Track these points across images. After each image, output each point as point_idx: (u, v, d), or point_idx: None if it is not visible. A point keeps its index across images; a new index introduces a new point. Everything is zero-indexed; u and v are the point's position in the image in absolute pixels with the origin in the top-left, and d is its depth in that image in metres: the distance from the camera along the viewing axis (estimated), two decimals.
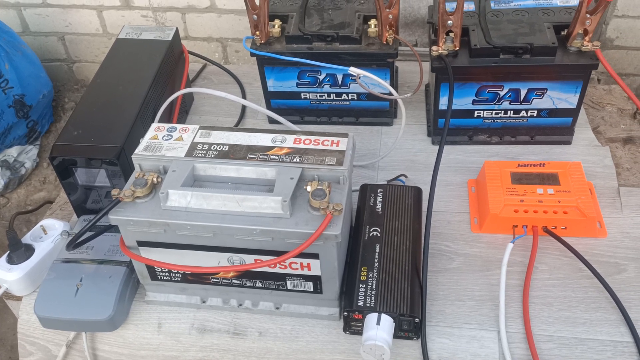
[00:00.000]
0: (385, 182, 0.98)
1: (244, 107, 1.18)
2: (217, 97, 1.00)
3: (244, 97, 1.22)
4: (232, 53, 2.06)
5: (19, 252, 0.86)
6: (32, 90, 1.95)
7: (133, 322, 0.84)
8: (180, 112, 1.10)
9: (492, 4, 1.01)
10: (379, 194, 0.89)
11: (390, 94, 0.97)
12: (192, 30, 2.00)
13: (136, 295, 0.87)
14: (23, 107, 1.94)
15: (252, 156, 0.77)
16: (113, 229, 0.80)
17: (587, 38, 0.92)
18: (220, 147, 0.78)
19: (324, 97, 1.07)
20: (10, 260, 0.86)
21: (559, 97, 0.97)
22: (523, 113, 1.00)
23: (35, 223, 0.92)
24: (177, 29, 1.09)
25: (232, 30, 1.99)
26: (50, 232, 0.91)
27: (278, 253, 0.72)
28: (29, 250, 0.87)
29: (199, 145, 0.79)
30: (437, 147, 1.04)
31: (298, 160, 0.75)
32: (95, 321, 0.80)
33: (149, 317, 0.85)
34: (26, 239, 0.89)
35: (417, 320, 0.75)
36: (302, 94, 1.07)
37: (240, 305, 0.83)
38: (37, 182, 2.09)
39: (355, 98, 1.07)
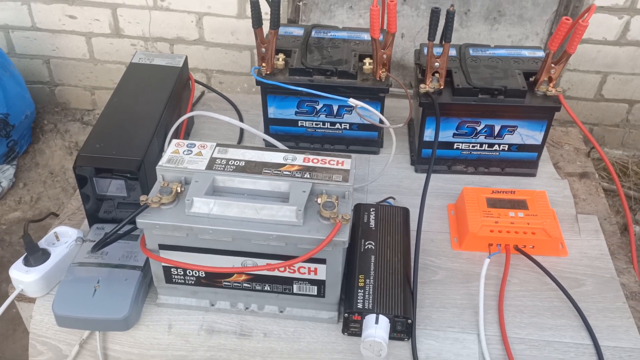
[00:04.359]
0: (376, 203, 1.08)
1: (242, 132, 1.27)
2: (216, 122, 1.09)
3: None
4: (215, 84, 2.16)
5: (36, 255, 0.91)
6: (16, 110, 1.98)
7: (144, 323, 0.90)
8: (184, 134, 1.19)
9: (470, 51, 1.15)
10: (371, 212, 1.00)
11: (382, 123, 1.08)
12: None
13: (147, 299, 0.93)
14: (6, 127, 1.97)
15: (267, 171, 0.86)
16: (126, 237, 0.87)
17: (551, 84, 1.07)
18: (237, 163, 0.87)
19: (319, 126, 1.18)
20: (27, 263, 0.91)
21: (527, 134, 1.11)
22: (496, 147, 1.14)
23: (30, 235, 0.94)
24: (186, 57, 1.18)
25: (218, 62, 2.09)
26: (63, 239, 0.96)
27: (288, 258, 0.81)
28: (45, 254, 0.92)
29: (217, 160, 0.87)
30: (419, 175, 1.17)
31: (308, 176, 0.85)
32: (112, 320, 0.86)
33: (159, 319, 0.91)
34: (41, 243, 0.94)
35: (409, 321, 0.84)
36: (299, 122, 1.18)
37: (247, 308, 0.91)
38: (12, 202, 2.09)
39: (348, 128, 1.18)
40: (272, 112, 1.17)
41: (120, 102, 1.05)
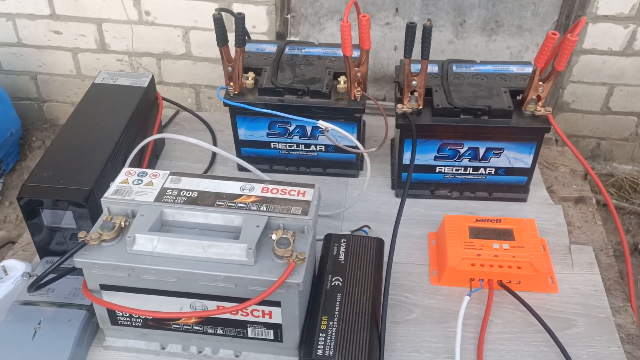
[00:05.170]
0: (349, 233, 1.01)
1: (214, 154, 1.20)
2: (188, 143, 1.03)
3: (214, 144, 1.24)
4: (204, 99, 2.10)
5: None
6: (0, 128, 1.94)
7: None
8: (151, 157, 1.12)
9: (454, 67, 1.07)
10: (342, 244, 0.92)
11: (356, 147, 1.01)
12: (166, 75, 2.04)
13: (95, 340, 0.85)
14: None
15: (220, 203, 0.78)
16: (76, 271, 0.80)
17: (540, 103, 0.99)
18: (189, 193, 0.80)
19: (293, 148, 1.11)
20: None
21: (515, 156, 1.03)
22: (482, 170, 1.05)
23: None
24: (152, 76, 1.12)
25: (206, 77, 2.03)
26: (11, 273, 0.90)
27: (240, 300, 0.73)
28: None
29: (168, 191, 0.80)
30: (400, 200, 1.08)
31: (265, 208, 0.78)
32: None
33: None
34: None
35: None
36: (272, 144, 1.11)
37: (200, 352, 0.83)
38: None
39: (324, 149, 1.11)
40: (243, 133, 1.10)
41: (76, 127, 0.99)
